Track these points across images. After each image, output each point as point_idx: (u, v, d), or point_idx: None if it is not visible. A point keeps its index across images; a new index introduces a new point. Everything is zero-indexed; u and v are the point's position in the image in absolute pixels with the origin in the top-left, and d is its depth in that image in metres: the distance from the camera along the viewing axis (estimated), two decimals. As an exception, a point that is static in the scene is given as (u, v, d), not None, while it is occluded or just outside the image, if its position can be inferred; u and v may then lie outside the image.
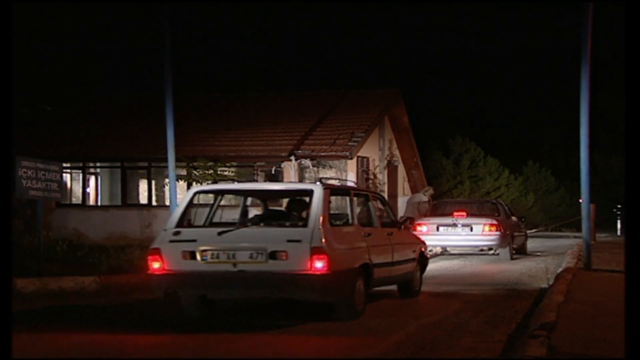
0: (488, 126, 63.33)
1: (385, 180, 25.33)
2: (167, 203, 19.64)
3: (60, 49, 39.07)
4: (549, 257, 20.45)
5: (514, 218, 21.33)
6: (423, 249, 12.05)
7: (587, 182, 14.07)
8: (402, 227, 11.42)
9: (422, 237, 13.22)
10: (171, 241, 8.97)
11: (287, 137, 22.31)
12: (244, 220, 10.07)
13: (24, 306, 10.06)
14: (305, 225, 8.85)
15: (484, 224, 18.84)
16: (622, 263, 13.09)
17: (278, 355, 7.19)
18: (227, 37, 79.72)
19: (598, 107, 38.49)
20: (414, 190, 27.79)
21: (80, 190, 24.23)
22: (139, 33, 73.03)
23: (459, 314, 9.39)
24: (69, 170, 23.54)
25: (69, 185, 24.18)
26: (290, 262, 8.54)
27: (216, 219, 10.19)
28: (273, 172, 21.58)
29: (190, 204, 9.65)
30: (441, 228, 18.99)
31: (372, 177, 24.07)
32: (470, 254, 19.92)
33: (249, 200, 11.72)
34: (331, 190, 9.60)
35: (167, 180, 19.47)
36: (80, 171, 24.00)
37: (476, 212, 20.02)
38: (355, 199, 10.32)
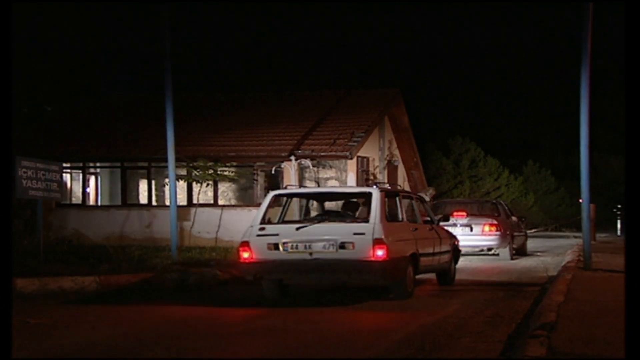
0: (488, 126, 63.36)
1: (385, 180, 25.32)
2: (167, 203, 19.64)
3: (60, 49, 39.06)
4: (549, 257, 20.45)
5: (514, 218, 21.33)
6: (456, 243, 14.10)
7: (587, 182, 14.07)
8: (438, 223, 13.44)
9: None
10: (258, 235, 10.90)
11: (287, 137, 22.31)
12: (317, 218, 11.80)
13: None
14: (367, 220, 10.72)
15: (484, 224, 18.83)
16: (622, 263, 13.08)
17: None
18: (227, 37, 79.74)
19: (598, 107, 38.49)
20: (414, 190, 27.79)
21: (80, 190, 24.23)
22: (139, 33, 73.05)
23: (459, 314, 9.39)
24: (69, 170, 23.54)
25: (69, 185, 24.18)
26: (357, 251, 10.47)
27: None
28: (273, 172, 21.58)
29: (270, 205, 11.53)
30: (441, 228, 18.99)
31: (372, 177, 24.07)
32: (470, 254, 19.91)
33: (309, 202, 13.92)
34: (385, 193, 11.47)
35: (167, 180, 19.47)
36: (80, 171, 23.99)
37: (476, 212, 20.02)
38: (402, 199, 12.21)
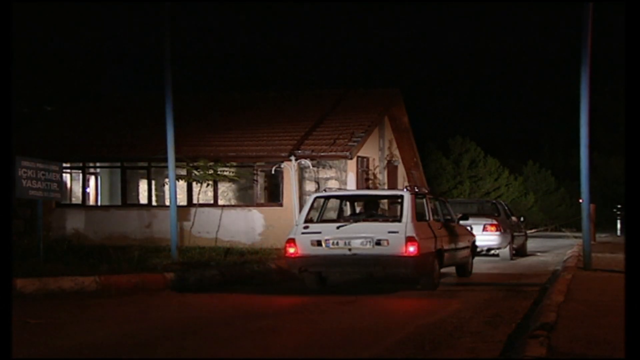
0: (488, 126, 63.32)
1: (385, 180, 25.32)
2: (167, 203, 19.63)
3: (60, 49, 39.02)
4: (548, 257, 20.46)
5: (514, 218, 21.33)
6: (474, 240, 15.63)
7: (587, 182, 14.07)
8: (458, 222, 15.00)
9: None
10: (302, 233, 12.30)
11: (287, 137, 22.29)
12: (354, 217, 13.17)
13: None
14: (399, 220, 12.13)
15: (484, 224, 18.83)
16: (622, 263, 13.08)
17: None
18: (227, 37, 79.68)
19: (598, 107, 38.49)
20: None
21: (80, 190, 24.21)
22: (139, 33, 73.01)
23: (459, 314, 9.39)
24: (69, 170, 23.52)
25: (69, 185, 24.16)
26: (391, 247, 11.85)
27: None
28: (273, 172, 21.58)
29: (312, 206, 12.95)
30: (441, 228, 19.01)
31: (372, 177, 24.06)
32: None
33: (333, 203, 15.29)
34: (415, 195, 12.71)
35: (167, 180, 19.46)
36: (80, 171, 23.97)
37: (476, 212, 20.02)
38: (429, 201, 13.49)
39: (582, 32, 13.77)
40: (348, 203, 14.78)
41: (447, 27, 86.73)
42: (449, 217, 14.60)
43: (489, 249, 19.75)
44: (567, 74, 56.85)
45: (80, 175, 24.12)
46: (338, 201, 14.97)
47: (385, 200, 19.32)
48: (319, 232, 12.28)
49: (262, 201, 22.50)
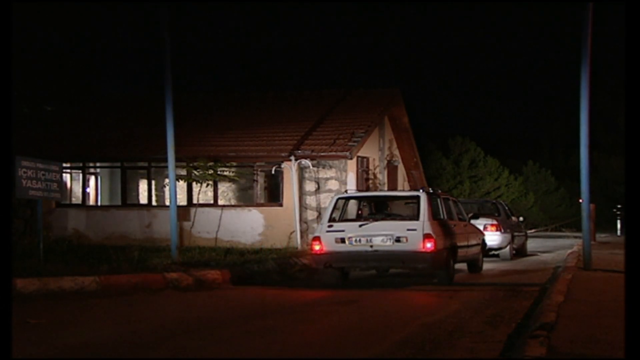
0: (488, 126, 63.41)
1: (385, 180, 25.32)
2: (167, 203, 19.62)
3: (60, 49, 38.99)
4: (548, 257, 20.46)
5: (514, 218, 21.33)
6: (483, 237, 16.60)
7: (587, 182, 14.07)
8: (469, 221, 15.95)
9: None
10: (327, 231, 13.22)
11: (287, 137, 22.29)
12: (375, 216, 14.01)
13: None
14: (417, 218, 13.01)
15: (485, 224, 18.84)
16: (622, 263, 13.08)
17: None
18: (227, 36, 79.70)
19: (598, 107, 38.47)
20: (414, 190, 27.73)
21: (80, 190, 24.20)
22: (139, 33, 73.01)
23: (459, 314, 9.39)
24: (69, 170, 23.52)
25: (69, 185, 24.15)
26: (410, 243, 12.79)
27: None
28: (273, 172, 21.58)
29: (335, 206, 13.84)
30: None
31: (372, 177, 24.05)
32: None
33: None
34: (430, 195, 13.60)
35: (167, 180, 19.45)
36: (80, 171, 23.97)
37: (476, 212, 20.02)
38: (442, 201, 14.35)
39: (582, 32, 13.76)
40: (368, 203, 15.57)
41: (448, 27, 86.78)
42: (461, 216, 15.40)
43: (489, 249, 19.74)
44: (567, 74, 56.91)
45: (80, 175, 24.11)
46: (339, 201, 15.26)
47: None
48: (343, 231, 13.17)
49: (262, 201, 22.50)
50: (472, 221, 18.92)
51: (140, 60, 65.89)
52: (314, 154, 21.06)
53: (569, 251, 19.98)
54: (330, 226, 13.32)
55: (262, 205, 21.94)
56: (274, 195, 23.03)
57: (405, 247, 12.81)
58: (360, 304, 10.84)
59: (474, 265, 15.74)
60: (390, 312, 10.02)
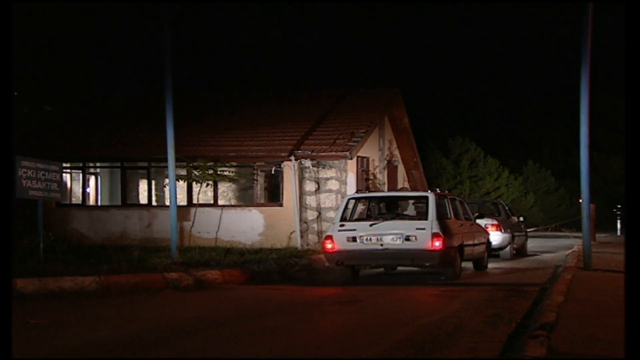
0: (488, 126, 63.30)
1: (385, 180, 25.31)
2: (167, 203, 19.63)
3: (60, 49, 39.03)
4: (549, 257, 20.45)
5: (514, 218, 21.33)
6: (488, 237, 17.00)
7: (587, 182, 14.07)
8: (475, 220, 16.40)
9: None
10: (339, 230, 13.72)
11: (287, 137, 22.29)
12: (385, 216, 14.44)
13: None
14: (425, 218, 13.56)
15: (485, 224, 18.83)
16: (622, 263, 13.08)
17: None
18: (227, 36, 79.69)
19: (598, 107, 38.46)
20: (414, 190, 27.73)
21: (80, 190, 24.21)
22: (139, 33, 73.01)
23: (459, 314, 9.39)
24: (69, 170, 23.52)
25: (69, 185, 24.15)
26: (419, 242, 13.30)
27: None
28: (273, 172, 21.58)
29: (346, 206, 14.33)
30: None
31: (372, 177, 24.06)
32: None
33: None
34: (438, 196, 14.10)
35: (167, 180, 19.45)
36: (80, 171, 23.97)
37: (476, 212, 20.00)
38: (450, 201, 14.86)
39: (582, 32, 13.76)
40: (379, 203, 15.98)
41: (447, 27, 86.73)
42: (467, 216, 15.86)
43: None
44: (567, 74, 56.87)
45: (80, 175, 24.12)
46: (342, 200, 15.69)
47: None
48: (354, 230, 13.67)
49: (262, 201, 22.50)
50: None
51: (140, 61, 65.87)
52: (314, 154, 21.06)
53: (569, 251, 19.98)
54: (342, 225, 13.79)
55: (262, 205, 21.94)
56: (274, 195, 23.03)
57: (415, 246, 13.28)
58: (361, 303, 10.84)
59: (480, 264, 16.17)
60: (391, 311, 10.03)
